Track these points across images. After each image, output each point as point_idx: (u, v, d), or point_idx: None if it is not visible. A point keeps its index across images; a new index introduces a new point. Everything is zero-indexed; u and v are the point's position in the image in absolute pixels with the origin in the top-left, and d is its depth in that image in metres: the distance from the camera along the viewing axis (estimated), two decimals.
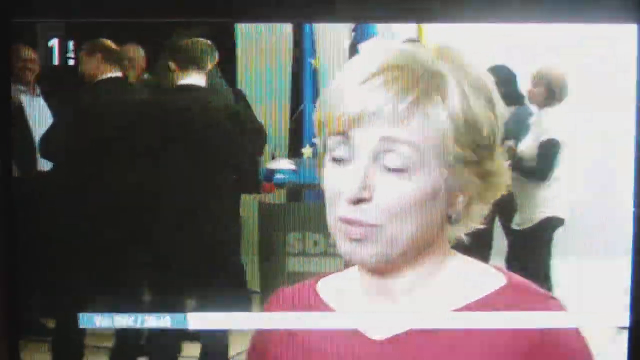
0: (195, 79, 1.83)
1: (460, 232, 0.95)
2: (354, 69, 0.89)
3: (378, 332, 0.96)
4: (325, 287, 1.02)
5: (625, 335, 1.24)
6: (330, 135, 0.89)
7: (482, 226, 0.95)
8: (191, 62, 1.81)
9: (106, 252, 1.64)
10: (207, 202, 1.80)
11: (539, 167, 1.97)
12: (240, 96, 1.89)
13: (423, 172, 0.86)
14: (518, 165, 1.95)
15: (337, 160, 0.89)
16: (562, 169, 1.99)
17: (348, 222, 0.88)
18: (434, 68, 0.86)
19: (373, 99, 0.85)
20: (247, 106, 1.87)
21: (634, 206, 1.26)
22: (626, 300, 1.24)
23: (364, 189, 0.87)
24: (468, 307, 0.93)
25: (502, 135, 0.92)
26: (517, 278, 0.95)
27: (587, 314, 1.11)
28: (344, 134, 0.88)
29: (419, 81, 0.85)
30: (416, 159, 0.86)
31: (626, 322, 1.22)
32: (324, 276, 1.03)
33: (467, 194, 0.90)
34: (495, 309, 0.92)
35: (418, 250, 0.91)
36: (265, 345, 1.04)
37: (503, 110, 0.91)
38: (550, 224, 2.01)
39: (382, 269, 0.92)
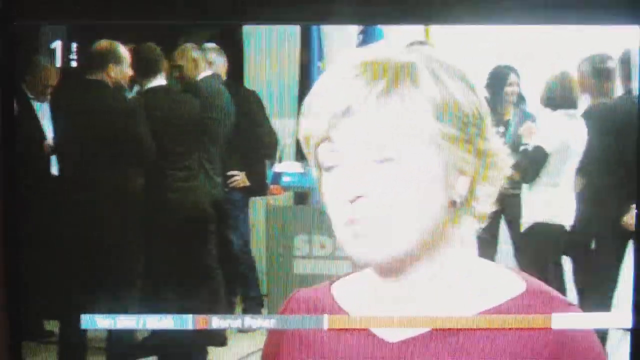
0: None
1: (473, 225, 0.94)
2: (327, 77, 0.90)
3: (393, 334, 0.95)
4: (340, 290, 1.02)
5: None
6: (317, 145, 0.90)
7: (492, 210, 0.94)
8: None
9: (111, 254, 1.64)
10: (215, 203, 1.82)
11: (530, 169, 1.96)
12: (250, 98, 1.90)
13: (413, 156, 0.87)
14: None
15: (329, 168, 0.90)
16: (566, 174, 1.97)
17: (352, 222, 0.88)
18: (402, 59, 0.88)
19: (344, 95, 0.86)
20: (260, 108, 1.88)
21: (637, 207, 1.25)
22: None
23: (358, 185, 0.87)
24: (486, 313, 0.92)
25: (492, 116, 0.92)
26: (537, 284, 0.94)
27: (596, 317, 1.10)
28: (328, 139, 0.88)
29: (386, 71, 0.86)
30: (402, 145, 0.86)
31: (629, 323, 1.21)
32: (338, 279, 1.03)
33: (468, 175, 0.90)
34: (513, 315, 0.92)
35: (428, 244, 0.90)
36: (278, 347, 1.04)
37: (483, 92, 0.92)
38: (549, 230, 1.99)
39: (395, 267, 0.91)
